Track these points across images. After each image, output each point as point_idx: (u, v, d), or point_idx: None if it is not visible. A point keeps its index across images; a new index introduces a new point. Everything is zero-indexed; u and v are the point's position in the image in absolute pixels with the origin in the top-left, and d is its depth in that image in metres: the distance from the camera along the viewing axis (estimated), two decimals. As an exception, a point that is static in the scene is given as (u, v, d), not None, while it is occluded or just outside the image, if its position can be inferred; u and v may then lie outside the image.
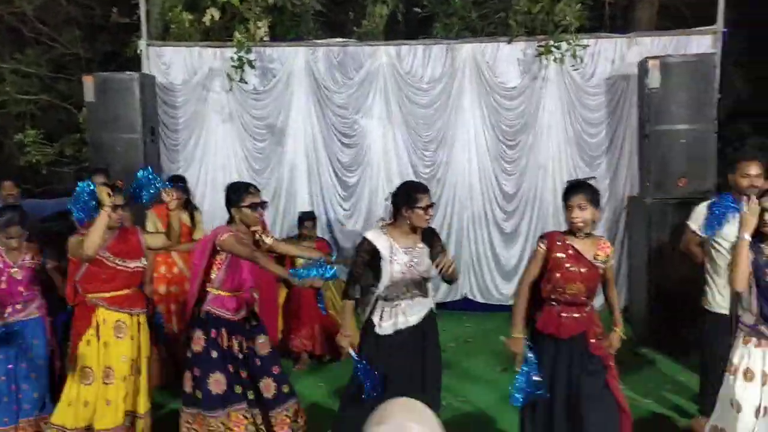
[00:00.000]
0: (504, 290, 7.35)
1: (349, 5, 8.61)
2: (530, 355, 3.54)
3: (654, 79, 6.19)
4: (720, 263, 4.25)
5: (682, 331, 5.82)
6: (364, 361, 3.74)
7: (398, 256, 3.78)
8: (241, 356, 4.05)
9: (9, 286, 4.19)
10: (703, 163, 6.21)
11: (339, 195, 7.44)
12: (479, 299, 7.41)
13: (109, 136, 6.62)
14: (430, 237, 3.91)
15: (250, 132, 7.38)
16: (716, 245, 4.27)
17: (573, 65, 6.95)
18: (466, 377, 5.53)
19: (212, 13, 7.26)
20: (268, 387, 4.06)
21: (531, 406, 3.63)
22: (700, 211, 4.50)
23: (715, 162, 6.28)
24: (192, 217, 5.65)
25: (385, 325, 3.82)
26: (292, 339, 5.91)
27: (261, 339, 4.13)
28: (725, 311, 4.24)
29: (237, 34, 6.77)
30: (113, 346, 3.98)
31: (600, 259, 3.56)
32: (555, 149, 7.18)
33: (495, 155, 7.27)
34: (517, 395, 3.51)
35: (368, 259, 3.80)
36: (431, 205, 3.80)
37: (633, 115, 6.95)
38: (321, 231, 7.02)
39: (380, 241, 3.79)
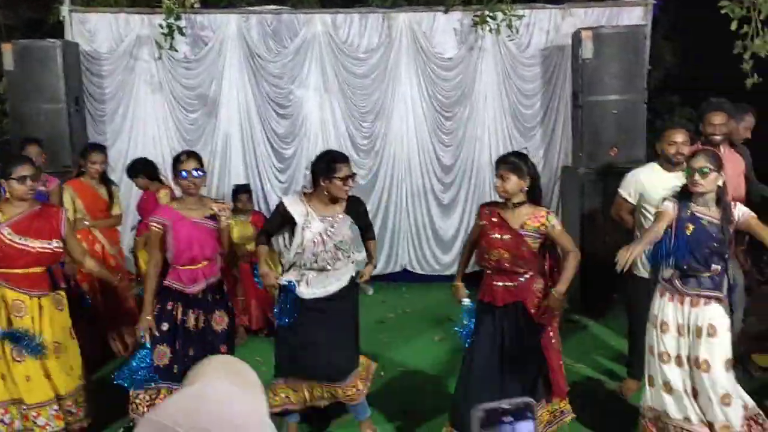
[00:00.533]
0: (443, 261, 7.40)
1: (283, -28, 8.40)
2: (466, 301, 3.88)
3: (587, 50, 6.27)
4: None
5: (613, 297, 5.99)
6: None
7: (313, 224, 3.81)
8: (195, 331, 3.98)
9: None
10: (633, 133, 6.35)
11: (275, 167, 7.30)
12: (418, 270, 7.44)
13: (32, 106, 6.32)
14: (356, 207, 3.93)
15: (182, 102, 7.15)
16: (645, 212, 4.39)
17: (509, 36, 6.97)
18: (405, 347, 5.56)
19: (139, -22, 6.96)
20: None
21: (467, 369, 3.73)
22: (630, 178, 4.60)
23: (644, 132, 6.43)
24: (110, 192, 5.46)
25: (301, 290, 3.88)
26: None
27: (218, 314, 4.04)
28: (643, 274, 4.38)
29: (166, 1, 6.50)
30: (16, 324, 3.81)
31: (528, 229, 3.61)
32: (491, 120, 7.22)
33: (432, 126, 7.26)
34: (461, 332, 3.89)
35: (280, 221, 3.92)
36: (351, 176, 3.83)
37: (567, 86, 7.03)
38: (256, 204, 6.89)
39: (296, 207, 3.86)
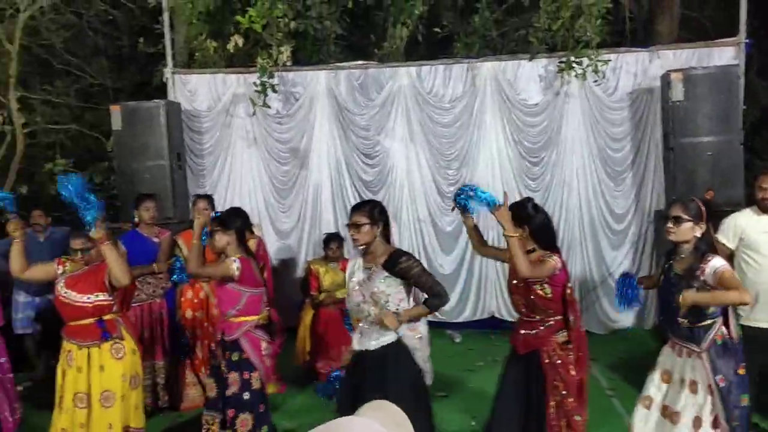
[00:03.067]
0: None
1: (369, 28, 8.71)
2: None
3: (677, 92, 6.17)
4: (749, 275, 4.20)
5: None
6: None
7: (356, 274, 3.76)
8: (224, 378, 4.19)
9: None
10: (729, 174, 6.16)
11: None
12: (507, 317, 7.33)
13: (137, 163, 6.73)
14: (392, 261, 3.64)
15: (274, 155, 7.46)
16: (746, 257, 4.24)
17: (595, 80, 6.94)
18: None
19: (236, 40, 7.41)
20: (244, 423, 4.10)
21: (491, 416, 3.81)
22: (729, 222, 4.45)
23: (742, 173, 6.23)
24: None
25: (354, 340, 3.78)
26: (319, 360, 5.92)
27: (230, 377, 4.10)
28: (756, 324, 4.18)
29: (260, 60, 6.88)
30: (67, 374, 4.03)
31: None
32: (579, 165, 7.15)
33: (518, 172, 7.26)
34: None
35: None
36: (352, 225, 3.64)
37: (657, 129, 6.92)
38: (347, 252, 7.04)
39: (353, 259, 3.87)
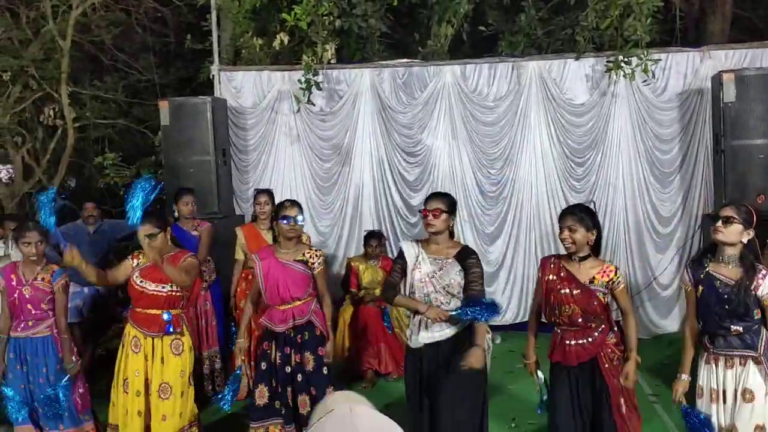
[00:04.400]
0: (573, 310, 7.19)
1: (414, 26, 8.71)
2: (539, 375, 3.86)
3: (729, 93, 6.01)
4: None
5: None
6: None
7: (423, 266, 3.81)
8: (288, 369, 4.15)
9: (20, 303, 4.28)
10: (783, 178, 5.98)
11: (405, 213, 7.46)
12: (542, 319, 7.24)
13: (183, 158, 6.81)
14: (465, 254, 3.85)
15: (317, 152, 7.50)
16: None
17: (644, 80, 6.80)
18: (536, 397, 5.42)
19: (281, 38, 7.47)
20: (304, 404, 4.10)
21: None
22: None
23: (796, 177, 6.04)
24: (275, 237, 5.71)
25: (414, 338, 3.87)
26: (358, 357, 5.94)
27: (308, 354, 4.15)
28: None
29: (305, 57, 6.92)
30: (131, 358, 4.13)
31: (598, 283, 3.52)
32: (626, 166, 7.03)
33: (563, 172, 7.16)
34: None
35: (400, 265, 3.91)
36: (430, 210, 3.79)
37: (707, 131, 6.77)
38: (388, 250, 7.06)
39: (410, 250, 3.89)
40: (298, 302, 4.17)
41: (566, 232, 3.55)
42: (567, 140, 7.12)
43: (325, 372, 4.18)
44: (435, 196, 3.89)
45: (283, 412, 4.13)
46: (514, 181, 7.24)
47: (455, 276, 3.75)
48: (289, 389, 4.14)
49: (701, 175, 6.91)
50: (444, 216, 3.77)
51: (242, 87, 7.50)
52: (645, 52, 6.54)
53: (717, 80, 6.20)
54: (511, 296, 7.24)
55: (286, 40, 7.46)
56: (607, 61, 6.77)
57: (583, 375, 3.57)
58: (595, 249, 3.62)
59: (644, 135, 6.98)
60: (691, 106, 6.88)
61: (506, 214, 7.22)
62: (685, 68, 6.87)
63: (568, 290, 3.55)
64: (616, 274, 3.53)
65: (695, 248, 6.91)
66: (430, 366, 3.81)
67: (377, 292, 6.08)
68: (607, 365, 3.52)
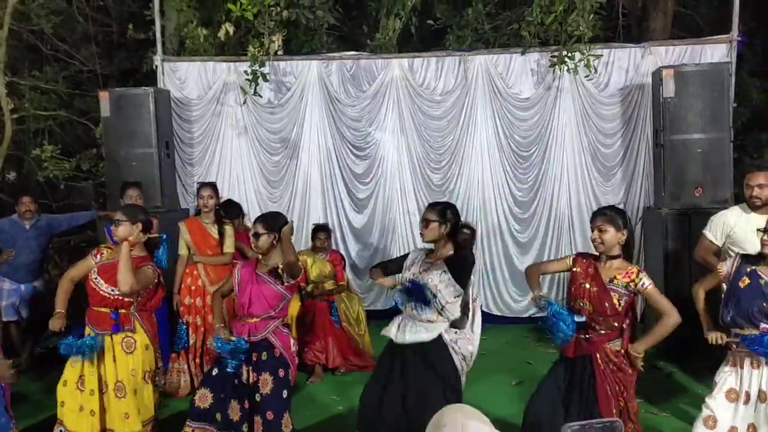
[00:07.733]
0: (521, 302, 7.30)
1: (362, 19, 8.68)
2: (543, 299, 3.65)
3: (669, 89, 6.15)
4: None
5: (699, 341, 5.73)
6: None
7: (412, 267, 3.94)
8: (237, 382, 3.94)
9: None
10: (719, 172, 6.16)
11: (353, 207, 7.44)
12: (495, 312, 7.36)
13: (125, 150, 6.66)
14: (455, 259, 3.88)
15: (265, 145, 7.42)
16: (732, 254, 4.22)
17: (587, 75, 6.93)
18: (481, 391, 5.47)
19: (227, 28, 7.32)
20: (258, 425, 3.88)
21: (526, 412, 3.73)
22: (716, 220, 4.47)
23: (731, 171, 6.23)
24: (221, 231, 5.60)
25: (387, 329, 3.99)
26: (306, 351, 5.89)
27: (266, 375, 3.89)
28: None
29: (251, 48, 6.82)
30: (86, 356, 4.02)
31: (617, 284, 3.54)
32: (569, 160, 7.16)
33: (509, 166, 7.25)
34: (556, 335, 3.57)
35: (400, 263, 4.10)
36: (422, 220, 3.95)
37: (648, 125, 6.92)
38: (334, 243, 7.04)
39: (413, 254, 4.08)
40: (255, 319, 3.98)
41: (596, 233, 3.58)
42: (513, 134, 7.20)
43: (284, 396, 3.91)
44: (428, 206, 4.01)
45: (219, 420, 3.91)
46: (461, 175, 7.29)
47: (434, 278, 3.81)
48: (234, 402, 3.91)
49: (642, 169, 7.08)
50: (433, 225, 3.86)
51: (187, 78, 7.36)
52: (587, 48, 6.66)
53: (657, 76, 6.35)
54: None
55: (231, 30, 7.32)
56: (552, 56, 6.88)
57: (577, 368, 3.61)
58: (626, 252, 3.63)
59: (588, 129, 7.12)
60: (632, 101, 7.04)
61: (454, 207, 7.26)
62: (627, 64, 7.02)
63: (588, 285, 3.59)
64: (637, 276, 3.52)
65: (637, 239, 7.06)
66: (406, 359, 3.89)
67: (327, 285, 6.06)
68: (602, 367, 3.54)
